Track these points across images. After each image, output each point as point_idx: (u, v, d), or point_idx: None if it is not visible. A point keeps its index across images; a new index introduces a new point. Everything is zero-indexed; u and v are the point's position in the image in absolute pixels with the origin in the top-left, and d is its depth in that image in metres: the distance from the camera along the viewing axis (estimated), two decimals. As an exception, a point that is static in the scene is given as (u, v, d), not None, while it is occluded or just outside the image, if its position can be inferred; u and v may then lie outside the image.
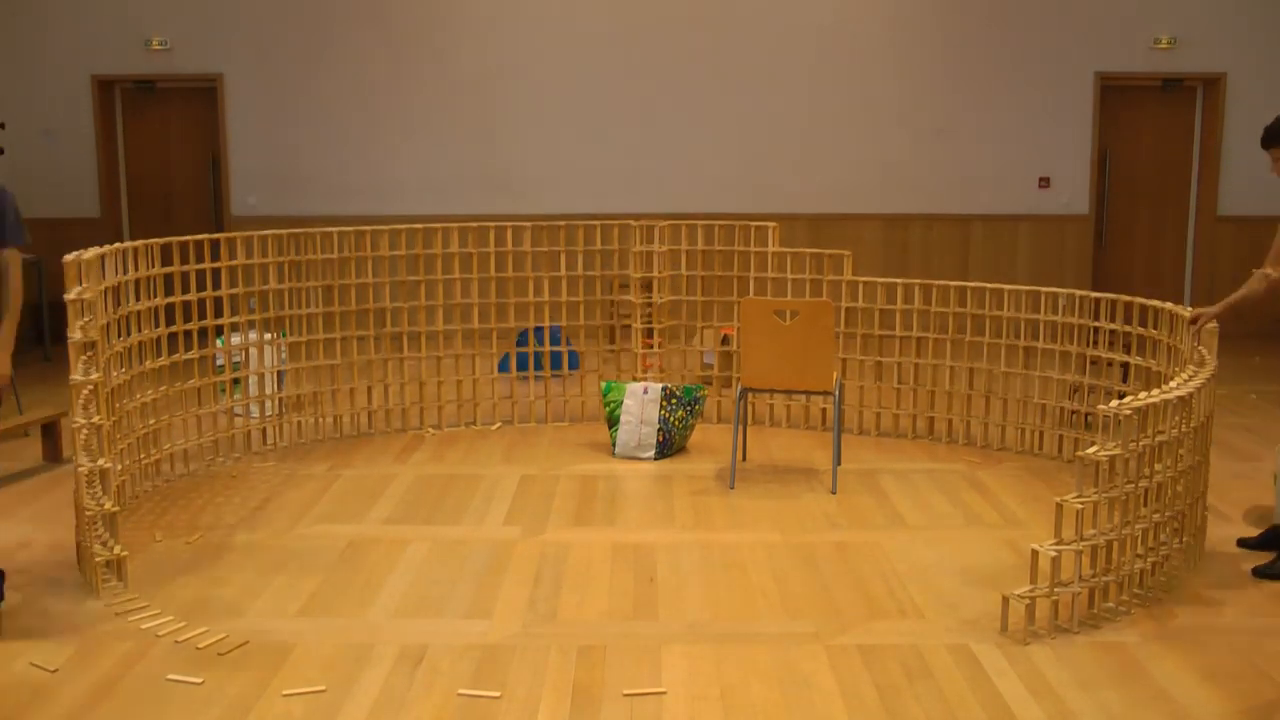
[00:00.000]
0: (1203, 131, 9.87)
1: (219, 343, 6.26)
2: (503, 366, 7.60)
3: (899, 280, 6.58)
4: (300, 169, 9.65)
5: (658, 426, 6.06)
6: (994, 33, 9.57)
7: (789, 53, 9.57)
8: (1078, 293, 6.09)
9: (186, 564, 4.59)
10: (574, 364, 7.30)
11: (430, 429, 6.75)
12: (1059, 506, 3.98)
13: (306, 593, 4.33)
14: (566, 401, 7.12)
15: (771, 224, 6.97)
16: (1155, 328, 5.42)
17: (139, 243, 5.53)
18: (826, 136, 9.65)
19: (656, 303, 6.92)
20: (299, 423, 6.50)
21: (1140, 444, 4.08)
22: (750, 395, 6.44)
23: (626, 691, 3.53)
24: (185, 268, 5.96)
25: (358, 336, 6.71)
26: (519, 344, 7.32)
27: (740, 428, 5.78)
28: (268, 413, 6.44)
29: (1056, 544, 3.96)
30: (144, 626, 3.93)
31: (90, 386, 4.39)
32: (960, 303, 6.51)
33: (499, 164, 9.65)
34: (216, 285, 6.11)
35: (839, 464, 5.75)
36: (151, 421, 5.63)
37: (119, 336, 5.22)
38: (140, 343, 5.47)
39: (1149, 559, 4.27)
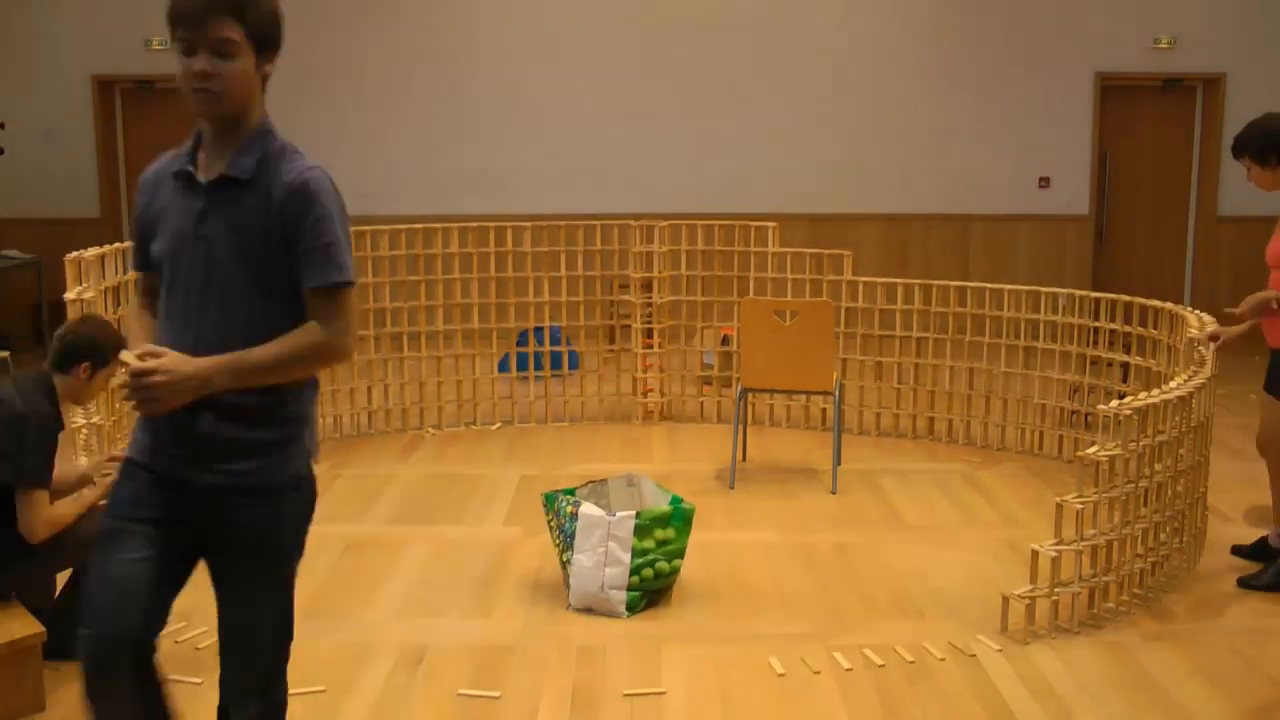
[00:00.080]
0: (1203, 131, 9.86)
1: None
2: (503, 366, 7.59)
3: (899, 280, 6.58)
4: (300, 169, 9.64)
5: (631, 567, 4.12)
6: (994, 33, 9.56)
7: (789, 53, 9.57)
8: (1078, 293, 6.09)
9: (186, 564, 4.59)
10: (574, 364, 7.30)
11: (430, 429, 6.75)
12: (1059, 506, 3.98)
13: (306, 593, 4.31)
14: (566, 401, 7.12)
15: (771, 224, 6.97)
16: (1155, 328, 5.42)
17: (139, 243, 5.52)
18: (827, 136, 9.65)
19: (656, 303, 6.92)
20: (299, 423, 6.50)
21: (1140, 444, 4.08)
22: (750, 395, 6.44)
23: (626, 691, 3.53)
24: (185, 268, 5.95)
25: (357, 336, 6.70)
26: (519, 344, 7.32)
27: (740, 428, 5.78)
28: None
29: (1056, 544, 3.96)
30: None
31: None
32: (960, 303, 6.51)
33: (499, 164, 9.65)
34: (216, 285, 6.09)
35: (839, 464, 5.75)
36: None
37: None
38: (140, 343, 5.46)
39: (1149, 559, 4.28)
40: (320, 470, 6.09)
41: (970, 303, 6.43)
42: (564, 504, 4.19)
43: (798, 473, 5.89)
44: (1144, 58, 9.61)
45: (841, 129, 9.65)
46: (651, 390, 7.02)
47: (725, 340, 7.12)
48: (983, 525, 5.12)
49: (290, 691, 3.52)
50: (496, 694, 3.52)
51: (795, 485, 5.67)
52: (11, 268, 8.98)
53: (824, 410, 6.85)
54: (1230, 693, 3.55)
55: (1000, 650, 3.81)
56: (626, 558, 4.04)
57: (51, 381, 3.59)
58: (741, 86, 9.60)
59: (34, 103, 9.54)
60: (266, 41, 2.58)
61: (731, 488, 5.61)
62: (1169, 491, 4.31)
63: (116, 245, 5.32)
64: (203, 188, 2.45)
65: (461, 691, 3.53)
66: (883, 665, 3.71)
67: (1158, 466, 4.22)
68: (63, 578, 3.74)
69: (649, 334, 7.01)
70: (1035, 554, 3.99)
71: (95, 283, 4.87)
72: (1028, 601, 3.94)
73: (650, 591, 4.15)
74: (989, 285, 6.41)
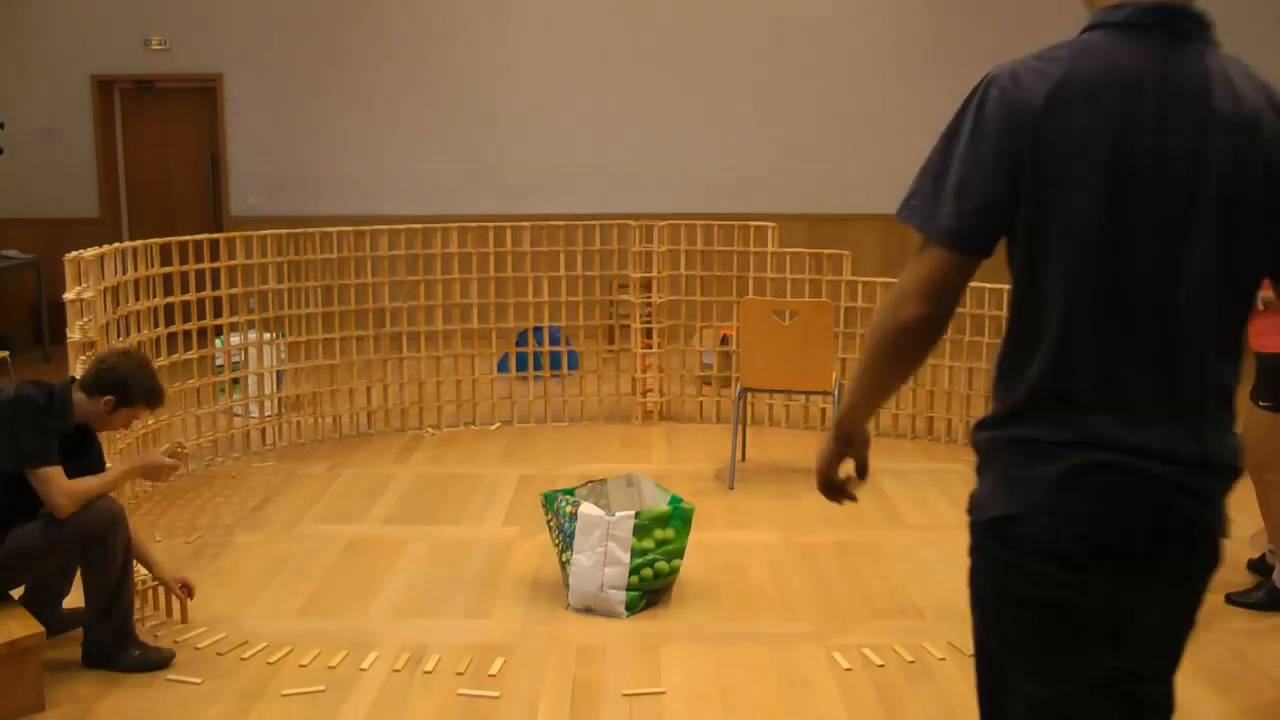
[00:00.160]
0: (1202, 131, 9.86)
1: (218, 343, 6.26)
2: (502, 366, 7.59)
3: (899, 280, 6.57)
4: (300, 169, 9.65)
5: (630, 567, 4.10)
6: (993, 32, 9.55)
7: (789, 53, 9.57)
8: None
9: (186, 564, 4.59)
10: (574, 364, 7.30)
11: (430, 429, 6.75)
12: (1059, 506, 3.98)
13: (306, 593, 4.33)
14: (566, 401, 7.12)
15: (771, 224, 6.97)
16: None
17: (139, 243, 5.53)
18: (826, 137, 9.65)
19: (656, 303, 6.92)
20: (299, 423, 6.50)
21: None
22: (750, 395, 6.44)
23: (626, 691, 3.53)
24: (185, 268, 5.96)
25: (357, 336, 6.71)
26: (519, 344, 7.32)
27: (740, 428, 5.78)
28: (267, 412, 6.44)
29: (1056, 544, 3.96)
30: (144, 626, 3.93)
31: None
32: (960, 303, 6.50)
33: (499, 164, 9.65)
34: (216, 285, 6.11)
35: (839, 464, 5.74)
36: (151, 421, 5.63)
37: (119, 336, 5.22)
38: (140, 343, 5.47)
39: (1149, 559, 4.27)
40: (320, 470, 6.12)
41: (970, 303, 6.43)
42: (563, 504, 4.19)
43: (798, 473, 5.89)
44: (1144, 58, 9.61)
45: (841, 129, 9.65)
46: (651, 390, 7.02)
47: (725, 340, 7.12)
48: (982, 525, 5.11)
49: (290, 691, 3.53)
50: (496, 694, 3.52)
51: (795, 485, 5.67)
52: (11, 268, 8.98)
53: (824, 410, 6.85)
54: (1230, 693, 3.55)
55: (1000, 650, 3.81)
56: (626, 558, 4.04)
57: (69, 389, 3.63)
58: (742, 87, 9.60)
59: (34, 103, 9.54)
60: None
61: (731, 488, 5.61)
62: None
63: (116, 245, 5.33)
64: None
65: (461, 691, 3.53)
66: (882, 665, 3.71)
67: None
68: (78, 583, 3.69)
69: (649, 334, 7.01)
70: (1035, 554, 3.99)
71: (95, 283, 4.87)
72: (1027, 601, 3.93)
73: (650, 591, 4.15)
74: (989, 285, 6.41)
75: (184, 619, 3.97)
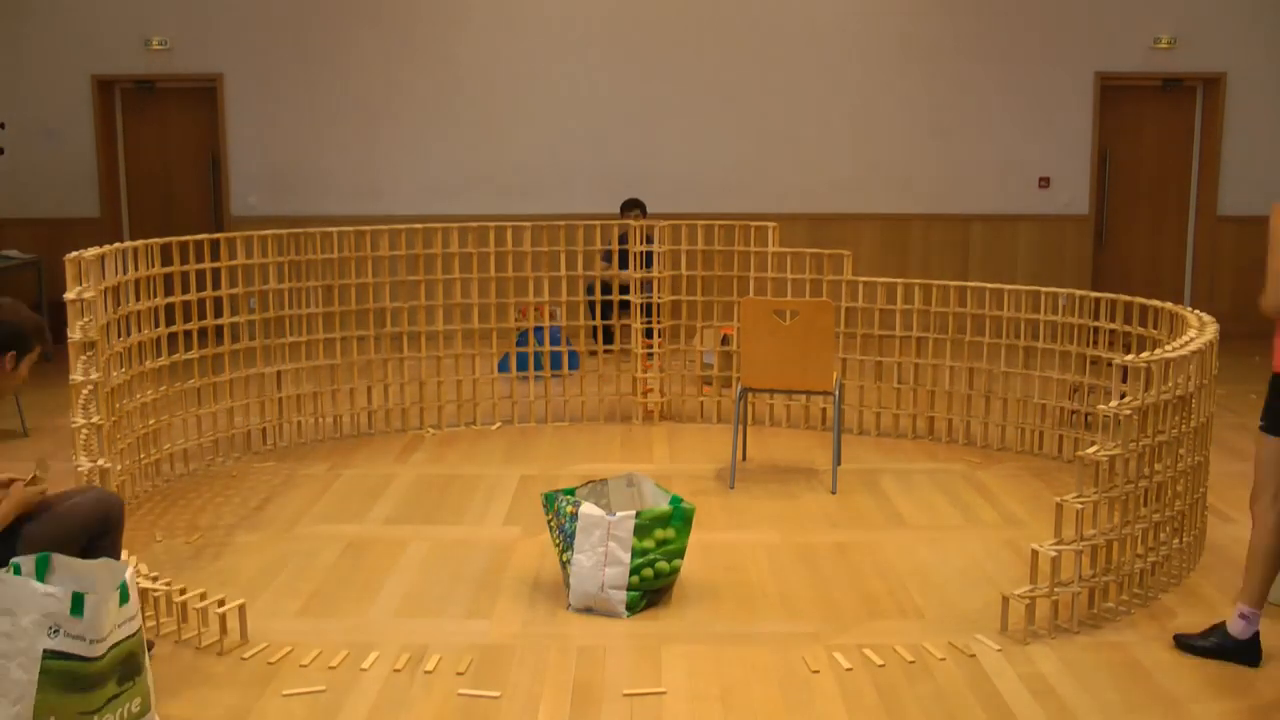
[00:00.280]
0: (1203, 131, 9.86)
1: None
2: (503, 366, 7.59)
3: (899, 280, 6.58)
4: (300, 169, 9.65)
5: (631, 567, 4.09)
6: (994, 33, 9.56)
7: (789, 53, 9.57)
8: (1078, 293, 6.08)
9: (186, 564, 4.59)
10: (574, 364, 7.30)
11: (430, 429, 6.75)
12: (1059, 506, 3.98)
13: (306, 593, 4.33)
14: (566, 401, 7.12)
15: (771, 224, 6.97)
16: (1155, 328, 5.42)
17: (139, 243, 5.53)
18: (826, 136, 9.65)
19: (656, 303, 6.92)
20: (299, 423, 6.50)
21: (1140, 444, 4.08)
22: (750, 395, 6.44)
23: (626, 691, 3.53)
24: (185, 268, 5.96)
25: (358, 336, 6.71)
26: (519, 344, 7.33)
27: (740, 428, 5.78)
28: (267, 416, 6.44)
29: (1056, 544, 3.96)
30: (145, 626, 3.93)
31: (90, 386, 4.39)
32: (960, 303, 6.51)
33: (499, 164, 9.65)
34: (216, 285, 6.11)
35: (839, 464, 5.75)
36: (151, 421, 5.63)
37: (119, 336, 5.22)
38: (140, 343, 5.47)
39: (1149, 559, 4.28)
40: (320, 470, 6.13)
41: (970, 303, 6.43)
42: (564, 504, 4.19)
43: (798, 473, 5.89)
44: (1144, 58, 9.61)
45: (842, 129, 9.65)
46: (651, 390, 7.02)
47: (725, 340, 7.12)
48: (983, 525, 5.12)
49: (290, 691, 3.53)
50: (496, 694, 3.52)
51: (795, 485, 5.67)
52: (11, 268, 8.97)
53: (824, 410, 6.85)
54: (1230, 693, 3.55)
55: (1000, 650, 3.81)
56: (626, 558, 4.04)
57: None
58: (742, 87, 9.60)
59: (34, 103, 9.54)
60: None
61: (731, 488, 5.61)
62: (1169, 491, 4.31)
63: (116, 245, 5.33)
64: None
65: (461, 691, 3.53)
66: (883, 665, 3.71)
67: (1158, 466, 4.22)
68: None
69: (649, 334, 7.01)
70: (1035, 554, 3.99)
71: (95, 283, 4.87)
72: (1027, 601, 3.94)
73: (650, 591, 4.15)
74: (989, 285, 6.40)
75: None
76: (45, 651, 2.93)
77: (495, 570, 4.53)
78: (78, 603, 2.93)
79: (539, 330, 7.15)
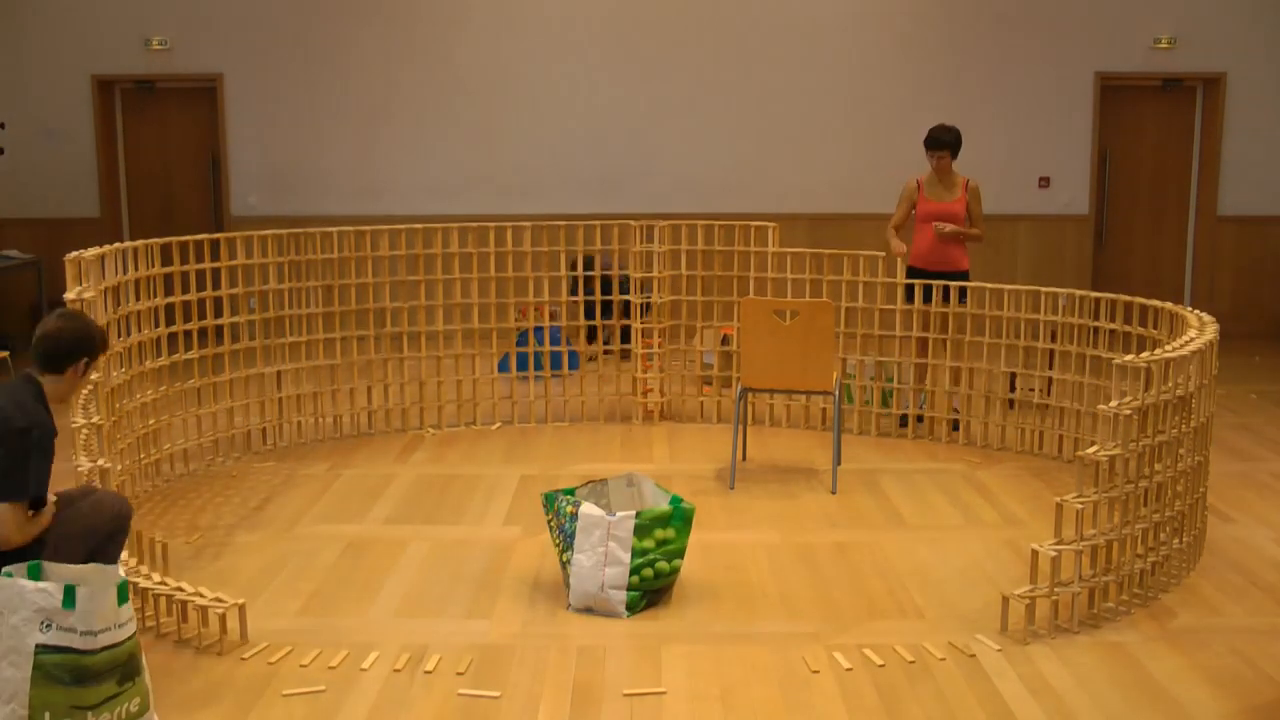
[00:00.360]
0: (1203, 131, 9.86)
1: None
2: (503, 366, 7.60)
3: (899, 280, 6.58)
4: (300, 169, 9.65)
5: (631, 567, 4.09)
6: (994, 33, 9.56)
7: (790, 53, 9.57)
8: (1078, 293, 6.09)
9: (186, 564, 4.59)
10: (574, 364, 7.30)
11: (430, 429, 6.75)
12: (1059, 506, 3.98)
13: (306, 593, 4.33)
14: (566, 401, 7.12)
15: (771, 224, 6.97)
16: (1155, 328, 5.42)
17: (139, 243, 5.53)
18: (827, 136, 9.65)
19: (656, 303, 6.92)
20: (299, 423, 6.50)
21: (1140, 444, 4.08)
22: (750, 395, 6.44)
23: (626, 691, 3.54)
24: (185, 268, 5.96)
25: (358, 336, 6.71)
26: (519, 344, 7.33)
27: (740, 428, 5.78)
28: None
29: (1056, 544, 3.96)
30: (144, 626, 3.93)
31: (90, 386, 4.39)
32: (960, 303, 6.50)
33: (499, 164, 9.65)
34: (216, 285, 6.11)
35: (839, 464, 5.75)
36: (151, 421, 5.63)
37: (119, 336, 5.22)
38: (140, 343, 5.47)
39: (1149, 559, 4.28)
40: (320, 470, 6.13)
41: (970, 303, 6.43)
42: (564, 504, 4.19)
43: (798, 473, 5.89)
44: (1144, 58, 9.61)
45: (842, 129, 9.65)
46: (651, 390, 7.02)
47: (725, 340, 7.12)
48: (983, 525, 5.12)
49: (290, 691, 3.53)
50: (496, 694, 3.52)
51: (795, 485, 5.67)
52: (11, 268, 8.98)
53: (824, 410, 6.85)
54: (1230, 693, 3.55)
55: (1000, 650, 3.81)
56: (626, 558, 4.04)
57: (39, 386, 3.56)
58: (742, 87, 9.60)
59: (34, 103, 9.54)
60: None
61: (731, 488, 5.61)
62: (1169, 491, 4.31)
63: (116, 245, 5.33)
64: None
65: (461, 691, 3.53)
66: (883, 665, 3.71)
67: (1158, 466, 4.22)
68: None
69: (648, 334, 7.01)
70: (1035, 554, 3.99)
71: (95, 283, 4.88)
72: (1028, 601, 3.94)
73: (650, 591, 4.15)
74: (989, 285, 6.40)
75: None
76: (38, 646, 2.94)
77: (495, 570, 4.53)
78: (69, 595, 2.95)
79: (539, 330, 7.15)
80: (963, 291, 6.43)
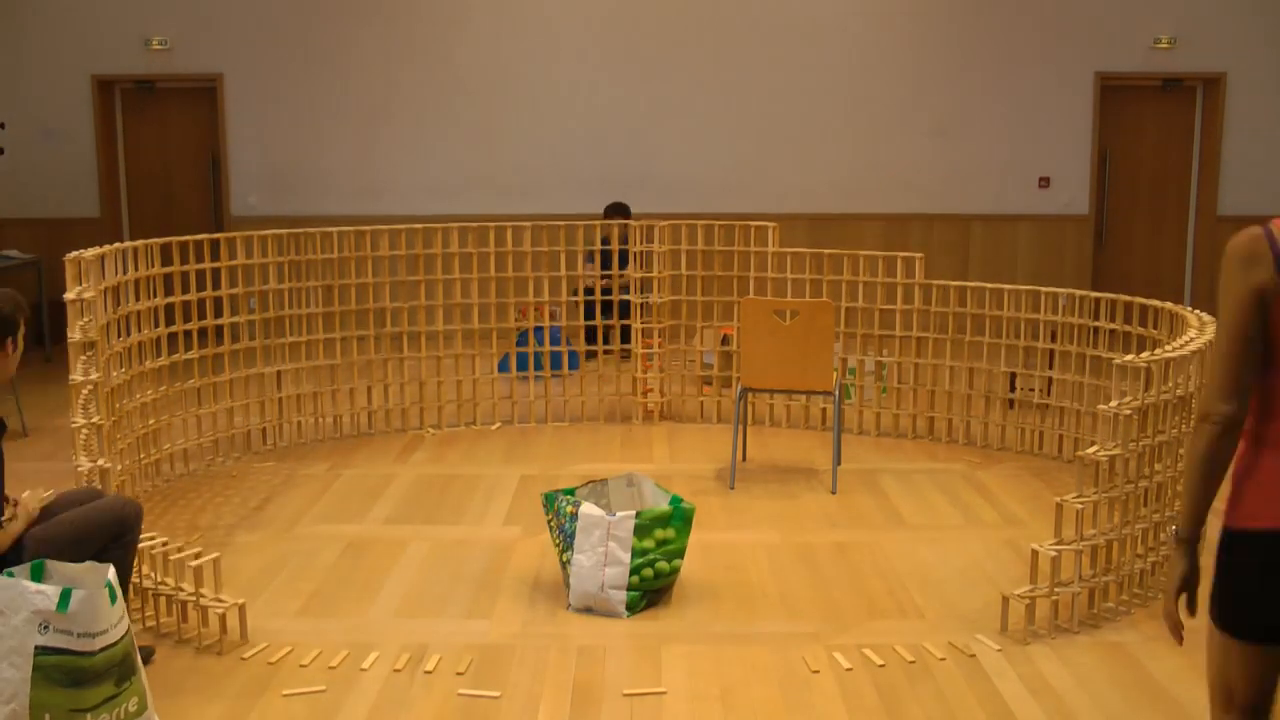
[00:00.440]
0: (1203, 131, 9.86)
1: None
2: (503, 366, 7.59)
3: (899, 280, 6.58)
4: (300, 169, 9.65)
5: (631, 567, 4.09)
6: (994, 33, 9.56)
7: (790, 53, 9.57)
8: (1078, 293, 6.09)
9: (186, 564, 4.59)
10: (574, 364, 7.30)
11: (430, 429, 6.75)
12: (1059, 506, 3.98)
13: (306, 593, 4.33)
14: (566, 401, 7.12)
15: (771, 224, 6.97)
16: (1155, 328, 5.42)
17: (139, 243, 5.53)
18: (827, 136, 9.65)
19: (656, 303, 6.92)
20: (299, 423, 6.50)
21: (1140, 444, 4.08)
22: (750, 395, 6.44)
23: (626, 691, 3.53)
24: (185, 268, 5.96)
25: (358, 336, 6.71)
26: (519, 344, 7.33)
27: (740, 428, 5.78)
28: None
29: (1056, 544, 3.96)
30: (144, 627, 3.93)
31: (90, 386, 4.39)
32: (960, 303, 6.51)
33: (499, 164, 9.65)
34: (216, 285, 6.11)
35: (839, 464, 5.76)
36: (151, 421, 5.63)
37: (119, 336, 5.22)
38: (140, 343, 5.47)
39: (1149, 559, 4.28)
40: (320, 470, 6.12)
41: (970, 303, 6.43)
42: (564, 504, 4.19)
43: (798, 473, 5.89)
44: (1144, 58, 9.61)
45: (842, 129, 9.65)
46: (651, 390, 7.02)
47: (725, 340, 7.12)
48: (983, 525, 5.12)
49: (290, 691, 3.53)
50: (496, 694, 3.52)
51: (795, 485, 5.67)
52: (11, 268, 8.97)
53: (824, 410, 6.85)
54: (1230, 693, 3.54)
55: (1000, 650, 3.81)
56: (626, 558, 4.04)
57: None
58: (742, 87, 9.60)
59: (34, 103, 9.54)
60: None
61: (731, 488, 5.61)
62: (1169, 491, 4.31)
63: (116, 245, 5.33)
64: None
65: (461, 691, 3.53)
66: (883, 665, 3.71)
67: (1158, 466, 4.22)
68: None
69: (648, 334, 7.01)
70: (1035, 554, 3.99)
71: (95, 283, 4.87)
72: (1028, 601, 3.94)
73: (650, 591, 4.15)
74: (989, 285, 6.40)
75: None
76: (37, 648, 2.94)
77: (495, 570, 4.53)
78: (64, 598, 2.95)
79: (539, 330, 7.15)
80: None
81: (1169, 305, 5.30)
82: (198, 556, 3.88)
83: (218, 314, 6.11)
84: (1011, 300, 6.27)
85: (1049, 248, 9.75)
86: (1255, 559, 2.18)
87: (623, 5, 9.53)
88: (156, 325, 5.65)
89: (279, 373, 6.45)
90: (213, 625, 3.85)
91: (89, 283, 4.78)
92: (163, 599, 3.98)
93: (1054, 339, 6.18)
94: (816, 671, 3.66)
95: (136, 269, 5.44)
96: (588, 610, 4.10)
